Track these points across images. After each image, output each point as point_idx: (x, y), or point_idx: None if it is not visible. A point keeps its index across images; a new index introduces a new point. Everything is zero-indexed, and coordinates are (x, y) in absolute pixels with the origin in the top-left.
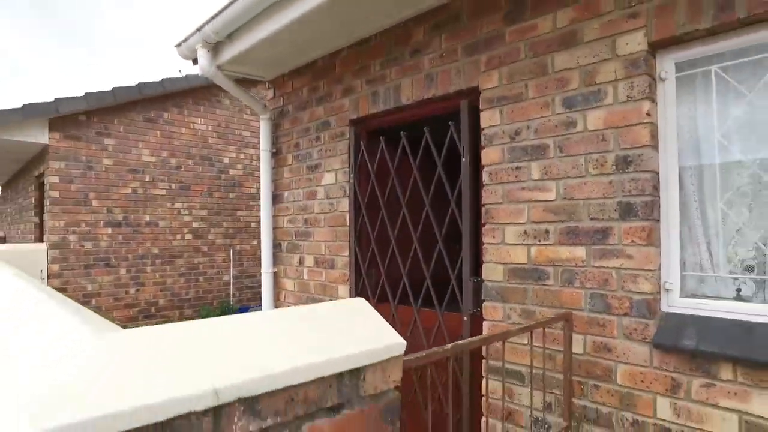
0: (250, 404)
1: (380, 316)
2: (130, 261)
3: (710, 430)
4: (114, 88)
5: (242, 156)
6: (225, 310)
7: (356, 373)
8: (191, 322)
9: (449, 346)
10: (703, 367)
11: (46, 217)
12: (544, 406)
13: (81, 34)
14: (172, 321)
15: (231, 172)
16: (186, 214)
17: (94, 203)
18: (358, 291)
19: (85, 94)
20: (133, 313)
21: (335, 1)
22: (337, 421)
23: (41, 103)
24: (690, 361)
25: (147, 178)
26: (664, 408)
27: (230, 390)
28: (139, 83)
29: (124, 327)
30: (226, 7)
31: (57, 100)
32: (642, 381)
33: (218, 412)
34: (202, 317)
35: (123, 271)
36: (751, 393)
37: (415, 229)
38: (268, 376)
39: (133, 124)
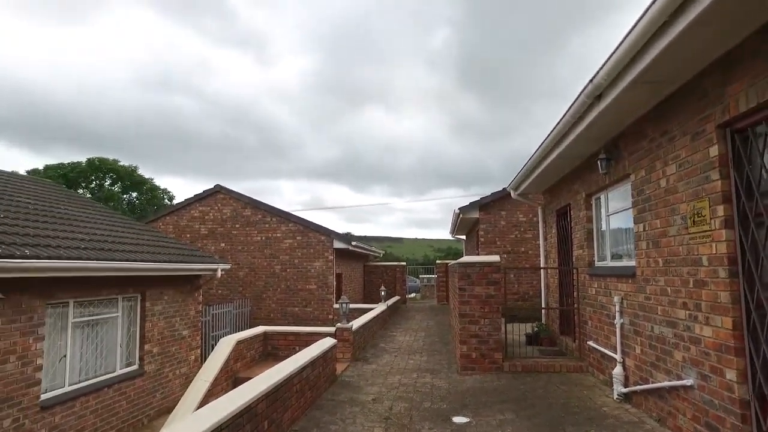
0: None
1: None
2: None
3: (593, 294)
4: (496, 192)
5: None
6: None
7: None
8: None
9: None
10: (595, 278)
11: (480, 250)
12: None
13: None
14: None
15: None
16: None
17: (498, 243)
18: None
19: (491, 193)
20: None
21: (541, 175)
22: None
23: (476, 201)
24: (593, 276)
25: (521, 228)
26: (592, 289)
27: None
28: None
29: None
30: (512, 180)
31: (481, 198)
32: (590, 286)
33: None
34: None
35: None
36: (593, 280)
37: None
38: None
39: (511, 202)
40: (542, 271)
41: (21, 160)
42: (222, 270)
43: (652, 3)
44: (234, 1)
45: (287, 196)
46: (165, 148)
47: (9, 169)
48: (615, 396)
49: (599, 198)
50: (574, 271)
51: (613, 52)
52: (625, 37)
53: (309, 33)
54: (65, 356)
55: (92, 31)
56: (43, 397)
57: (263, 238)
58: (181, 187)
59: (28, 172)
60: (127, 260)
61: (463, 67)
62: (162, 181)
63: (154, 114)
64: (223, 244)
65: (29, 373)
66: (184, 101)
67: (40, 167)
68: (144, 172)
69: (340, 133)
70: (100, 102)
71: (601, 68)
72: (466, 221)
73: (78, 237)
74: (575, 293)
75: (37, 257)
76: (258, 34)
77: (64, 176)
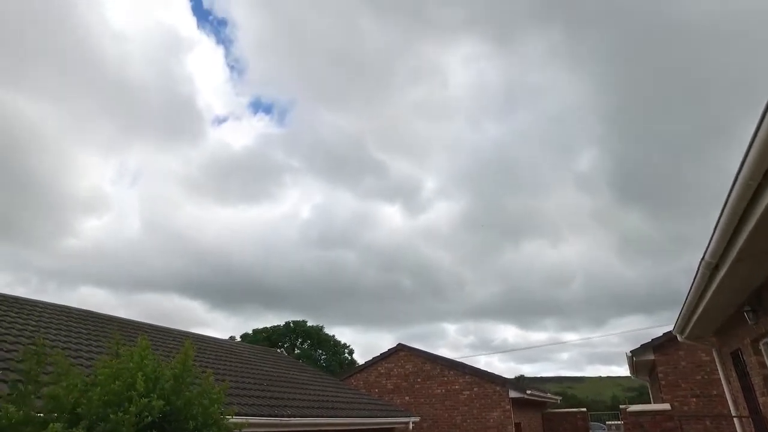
0: None
1: None
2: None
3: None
4: (668, 332)
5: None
6: None
7: None
8: None
9: None
10: None
11: (663, 394)
12: None
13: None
14: None
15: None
16: None
17: (682, 385)
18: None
19: (663, 333)
20: None
21: (699, 321)
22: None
23: (648, 343)
24: None
25: (707, 369)
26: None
27: None
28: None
29: None
30: (675, 324)
31: (652, 339)
32: None
33: None
34: None
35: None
36: None
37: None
38: None
39: (679, 344)
40: (735, 419)
41: (220, 320)
42: (413, 422)
43: (723, 211)
44: (383, 158)
45: (452, 338)
46: (329, 299)
47: (216, 334)
48: None
49: (766, 342)
50: (764, 419)
51: (710, 240)
52: (714, 230)
53: (455, 174)
54: None
55: (272, 203)
56: None
57: (443, 390)
58: (348, 335)
59: (241, 337)
60: (346, 416)
61: (618, 181)
62: (330, 330)
63: (318, 268)
64: (407, 398)
65: None
66: (344, 253)
67: (249, 331)
68: (322, 327)
69: (499, 268)
70: (277, 262)
71: (707, 249)
72: (642, 363)
73: (308, 398)
74: None
75: (294, 416)
76: (407, 183)
77: (268, 338)
